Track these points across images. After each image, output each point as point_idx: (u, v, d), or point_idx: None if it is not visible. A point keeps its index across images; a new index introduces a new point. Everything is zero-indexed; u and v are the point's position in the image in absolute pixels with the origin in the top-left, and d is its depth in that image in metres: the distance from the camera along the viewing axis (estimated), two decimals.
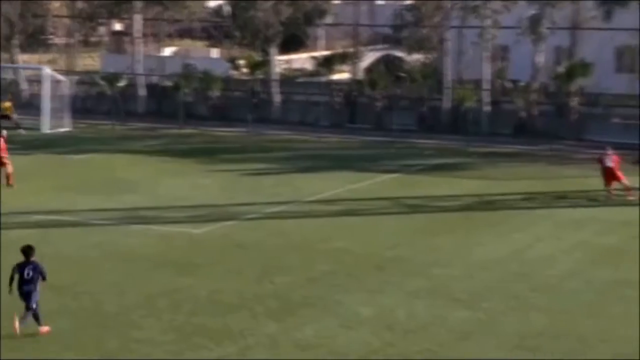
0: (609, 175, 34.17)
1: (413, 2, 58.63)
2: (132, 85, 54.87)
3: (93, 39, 70.15)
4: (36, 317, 20.75)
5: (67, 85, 50.33)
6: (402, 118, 49.57)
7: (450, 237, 29.01)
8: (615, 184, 34.28)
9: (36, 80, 56.66)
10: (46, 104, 48.28)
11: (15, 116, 47.73)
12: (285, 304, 22.86)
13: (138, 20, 56.01)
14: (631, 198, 33.92)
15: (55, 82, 50.08)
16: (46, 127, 47.75)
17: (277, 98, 53.00)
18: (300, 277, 25.06)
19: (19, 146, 42.95)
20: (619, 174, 34.20)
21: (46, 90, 48.80)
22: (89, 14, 60.69)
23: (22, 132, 46.41)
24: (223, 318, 21.90)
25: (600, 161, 34.56)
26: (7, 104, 48.22)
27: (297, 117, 51.49)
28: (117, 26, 69.60)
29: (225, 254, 27.19)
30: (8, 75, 57.69)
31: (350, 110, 51.21)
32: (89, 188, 35.40)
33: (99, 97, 54.83)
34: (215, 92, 52.86)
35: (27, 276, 20.76)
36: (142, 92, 55.08)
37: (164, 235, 29.09)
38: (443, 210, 32.75)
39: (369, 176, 37.92)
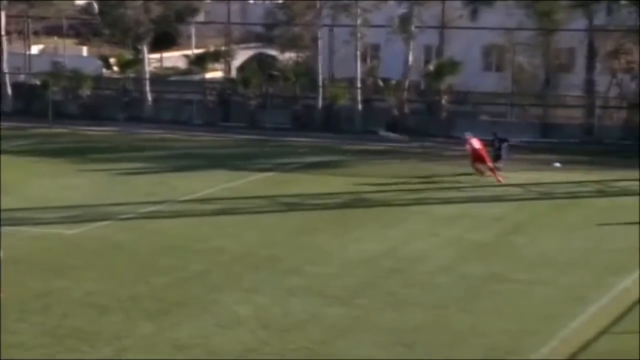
0: (477, 156, 36.99)
1: (284, 0, 58.78)
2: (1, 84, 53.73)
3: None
4: None
5: None
6: (276, 116, 49.67)
7: (326, 234, 29.20)
8: (480, 166, 36.92)
9: None
10: None
11: None
12: (160, 304, 22.70)
13: (9, 17, 54.86)
14: (501, 179, 36.24)
15: None
16: None
17: (149, 96, 52.54)
18: (175, 277, 24.92)
19: None
20: (485, 155, 36.92)
21: None
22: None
23: None
24: (98, 320, 21.65)
25: (468, 143, 37.33)
26: None
27: (170, 116, 51.13)
28: None
29: (100, 255, 26.86)
30: None
31: (224, 108, 51.09)
32: None
33: None
34: (86, 91, 52.15)
35: None
36: (8, 90, 53.95)
37: (36, 237, 28.58)
38: (318, 208, 32.94)
39: (243, 175, 37.88)
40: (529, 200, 34.48)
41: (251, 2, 71.01)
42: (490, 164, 36.90)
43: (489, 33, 48.55)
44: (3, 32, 54.88)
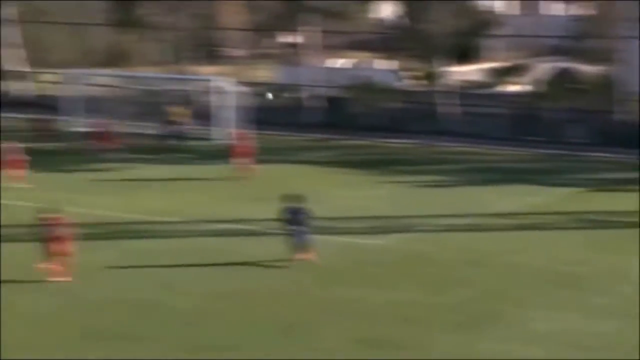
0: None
1: (587, 13, 57.58)
2: (305, 97, 55.51)
3: (267, 51, 71.29)
4: None
5: (240, 96, 51.27)
6: (578, 131, 48.68)
7: (632, 254, 28.32)
8: None
9: (212, 92, 57.96)
10: (224, 114, 49.28)
11: (184, 123, 48.24)
12: (461, 317, 22.76)
13: (312, 32, 56.66)
14: None
15: (231, 94, 51.10)
16: (217, 136, 48.74)
17: (450, 109, 52.78)
18: (476, 290, 24.90)
19: (196, 156, 44.02)
20: None
21: (224, 101, 49.87)
22: (264, 26, 61.78)
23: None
24: (400, 329, 21.95)
25: None
26: (179, 109, 49.06)
27: (470, 129, 51.13)
28: (290, 38, 70.47)
29: (401, 266, 27.23)
30: (188, 87, 59.17)
31: (525, 122, 50.59)
32: (265, 198, 35.91)
33: (273, 109, 55.63)
34: (388, 104, 52.97)
35: None
36: (315, 103, 55.68)
37: (342, 245, 29.29)
38: (626, 226, 31.92)
39: (545, 190, 37.38)
40: None
41: (546, 14, 70.10)
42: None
43: None
44: (314, 47, 56.63)
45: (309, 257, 27.03)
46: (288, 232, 27.31)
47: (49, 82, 61.95)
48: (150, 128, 49.92)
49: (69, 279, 24.98)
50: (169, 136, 47.95)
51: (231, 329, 21.95)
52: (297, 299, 24.14)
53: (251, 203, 34.85)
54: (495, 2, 68.44)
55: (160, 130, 48.20)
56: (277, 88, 55.34)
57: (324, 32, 59.91)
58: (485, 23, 57.07)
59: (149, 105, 56.81)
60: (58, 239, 24.89)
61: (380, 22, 69.52)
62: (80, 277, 25.23)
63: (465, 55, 60.97)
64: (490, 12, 64.01)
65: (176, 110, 48.96)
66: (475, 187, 38.17)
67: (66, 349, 20.70)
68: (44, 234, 25.11)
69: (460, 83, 58.53)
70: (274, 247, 28.43)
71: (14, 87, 62.47)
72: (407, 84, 55.95)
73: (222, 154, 41.70)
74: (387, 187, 38.21)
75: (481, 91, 57.30)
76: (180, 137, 47.64)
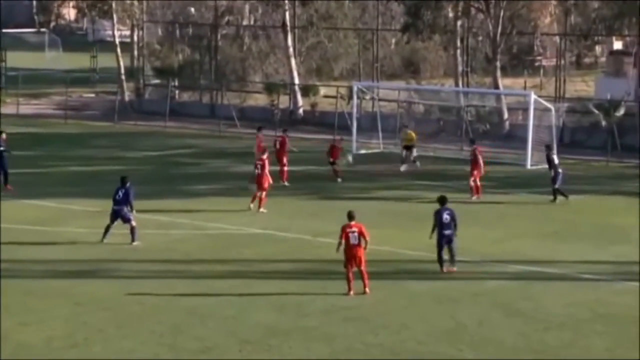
0: None
1: None
2: (631, 114, 53.52)
3: (587, 60, 69.64)
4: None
5: (554, 115, 49.92)
6: None
7: None
8: None
9: (518, 108, 56.91)
10: (531, 136, 48.03)
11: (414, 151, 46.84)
12: None
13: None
14: None
15: (541, 111, 49.85)
16: (530, 162, 47.56)
17: None
18: None
19: (495, 184, 43.07)
20: None
21: (531, 119, 48.63)
22: (584, 31, 60.22)
23: (418, 164, 46.09)
24: None
25: None
26: (411, 133, 47.97)
27: None
28: (616, 45, 68.44)
29: None
30: (489, 103, 58.38)
31: None
32: (575, 235, 34.63)
33: (592, 129, 54.00)
34: None
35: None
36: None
37: None
38: None
39: None
40: None
41: None
42: None
43: None
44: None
45: None
46: None
47: (327, 96, 62.87)
48: (445, 150, 49.59)
49: None
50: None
51: None
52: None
53: (556, 241, 33.74)
54: None
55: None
56: (600, 104, 53.56)
57: None
58: None
59: (448, 124, 56.59)
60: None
61: None
62: None
63: None
64: None
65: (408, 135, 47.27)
66: None
67: None
68: None
69: None
70: (588, 294, 27.30)
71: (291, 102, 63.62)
72: None
73: (530, 183, 40.63)
74: None
75: None
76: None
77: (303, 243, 33.32)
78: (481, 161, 40.35)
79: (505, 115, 57.54)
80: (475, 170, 40.23)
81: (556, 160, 40.16)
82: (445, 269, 29.65)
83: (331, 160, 43.91)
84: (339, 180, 43.30)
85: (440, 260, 29.72)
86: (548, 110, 50.05)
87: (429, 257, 30.46)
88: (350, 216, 27.88)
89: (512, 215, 37.89)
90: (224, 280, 29.02)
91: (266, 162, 38.08)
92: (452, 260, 29.83)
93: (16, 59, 77.43)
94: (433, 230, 29.81)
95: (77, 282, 28.73)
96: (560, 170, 39.90)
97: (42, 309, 26.17)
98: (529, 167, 47.41)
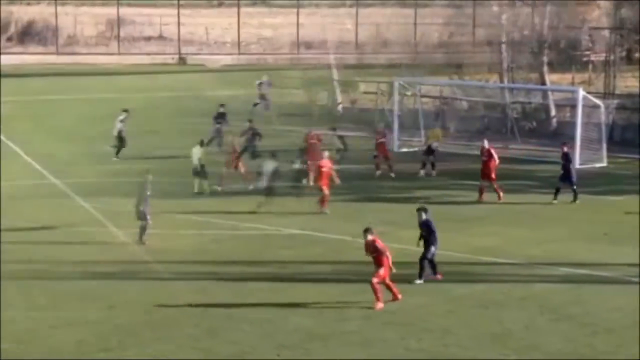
0: None
1: None
2: None
3: (638, 55, 69.28)
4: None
5: (603, 112, 49.74)
6: None
7: None
8: None
9: (566, 105, 56.71)
10: (579, 134, 47.81)
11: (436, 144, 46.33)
12: None
13: None
14: None
15: (590, 108, 49.63)
16: (578, 161, 47.38)
17: None
18: None
19: (541, 183, 43.03)
20: None
21: (579, 117, 48.41)
22: (635, 24, 59.91)
23: (434, 174, 45.61)
24: None
25: None
26: (437, 131, 47.79)
27: None
28: None
29: None
30: (535, 99, 58.28)
31: None
32: (624, 237, 34.55)
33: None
34: None
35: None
36: None
37: None
38: None
39: None
40: None
41: None
42: None
43: None
44: None
45: None
46: None
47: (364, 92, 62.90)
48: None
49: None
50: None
51: None
52: None
53: (607, 243, 33.78)
54: None
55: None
56: None
57: None
58: None
59: (492, 121, 56.51)
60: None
61: None
62: None
63: None
64: None
65: (434, 133, 47.03)
66: None
67: None
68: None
69: None
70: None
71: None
72: None
73: (580, 182, 40.51)
74: None
75: None
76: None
77: (342, 244, 33.44)
78: (496, 159, 40.29)
79: (553, 112, 57.35)
80: (493, 171, 40.08)
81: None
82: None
83: (375, 154, 44.75)
84: (392, 175, 44.23)
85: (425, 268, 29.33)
86: (597, 107, 49.87)
87: (474, 259, 30.55)
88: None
89: (559, 216, 37.87)
90: (260, 282, 29.23)
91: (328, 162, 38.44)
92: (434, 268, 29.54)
93: None
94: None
95: (110, 283, 29.03)
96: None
97: (73, 312, 26.47)
98: (577, 166, 47.22)
